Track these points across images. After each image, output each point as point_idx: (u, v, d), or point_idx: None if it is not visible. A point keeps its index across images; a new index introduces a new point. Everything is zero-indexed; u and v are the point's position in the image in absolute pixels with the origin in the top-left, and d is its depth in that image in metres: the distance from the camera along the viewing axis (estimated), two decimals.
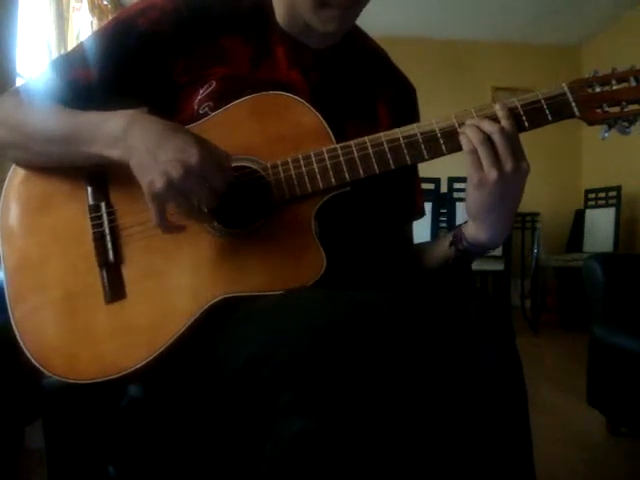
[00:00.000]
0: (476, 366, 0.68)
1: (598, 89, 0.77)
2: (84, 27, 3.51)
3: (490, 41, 4.87)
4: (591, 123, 0.78)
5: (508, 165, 0.72)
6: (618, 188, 3.95)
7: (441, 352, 0.68)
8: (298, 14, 0.82)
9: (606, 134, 0.79)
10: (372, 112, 0.90)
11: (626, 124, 0.77)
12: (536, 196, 4.45)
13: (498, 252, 3.68)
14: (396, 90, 0.95)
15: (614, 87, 0.77)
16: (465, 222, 0.82)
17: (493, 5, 4.21)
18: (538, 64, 4.67)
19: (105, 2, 3.78)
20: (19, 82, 2.62)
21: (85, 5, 3.51)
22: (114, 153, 0.72)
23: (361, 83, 0.91)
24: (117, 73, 0.81)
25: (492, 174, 0.72)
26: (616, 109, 0.77)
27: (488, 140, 0.73)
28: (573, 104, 0.76)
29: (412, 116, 0.95)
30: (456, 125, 0.76)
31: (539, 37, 4.78)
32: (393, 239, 0.96)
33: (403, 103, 0.95)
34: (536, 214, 4.30)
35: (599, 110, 0.77)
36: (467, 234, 0.81)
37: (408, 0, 4.17)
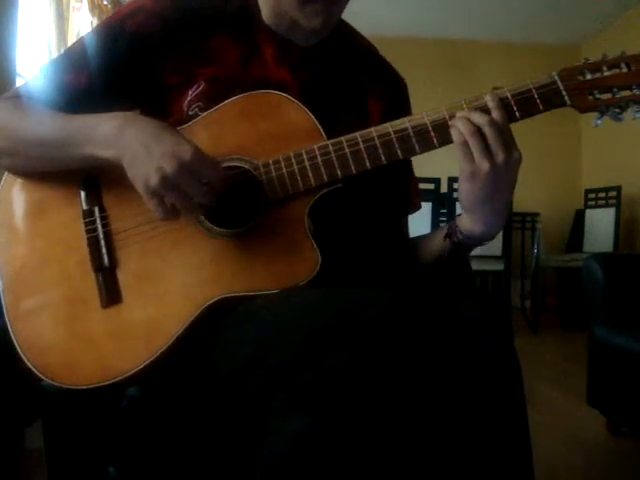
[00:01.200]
0: (474, 365, 0.68)
1: (589, 76, 0.77)
2: (84, 27, 3.51)
3: (490, 41, 4.87)
4: (583, 110, 0.77)
5: (499, 156, 0.72)
6: (618, 188, 3.95)
7: (439, 351, 0.68)
8: (284, 12, 0.83)
9: (599, 121, 0.78)
10: (363, 108, 0.90)
11: (618, 110, 0.77)
12: (536, 196, 4.46)
13: (498, 252, 3.68)
14: (386, 85, 0.95)
15: (605, 74, 0.76)
16: (459, 214, 0.82)
17: (493, 5, 4.21)
18: (538, 64, 4.65)
19: (105, 2, 3.78)
20: (19, 82, 2.62)
21: (85, 5, 3.51)
22: (108, 153, 0.72)
23: (351, 79, 0.91)
24: (107, 76, 0.82)
25: (484, 165, 0.72)
26: (607, 96, 0.77)
27: (478, 132, 0.73)
28: (564, 92, 0.76)
29: (403, 110, 0.95)
30: (447, 117, 0.76)
31: (539, 37, 4.77)
32: (388, 235, 0.96)
33: (394, 98, 0.95)
34: (536, 214, 4.30)
35: (590, 97, 0.77)
36: (461, 226, 0.81)
37: (408, 0, 4.17)
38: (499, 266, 3.71)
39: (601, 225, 4.06)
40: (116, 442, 0.82)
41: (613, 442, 1.92)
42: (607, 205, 4.08)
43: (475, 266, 3.66)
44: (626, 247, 4.03)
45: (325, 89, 0.87)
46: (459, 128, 0.73)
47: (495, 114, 0.74)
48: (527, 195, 4.31)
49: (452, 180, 3.59)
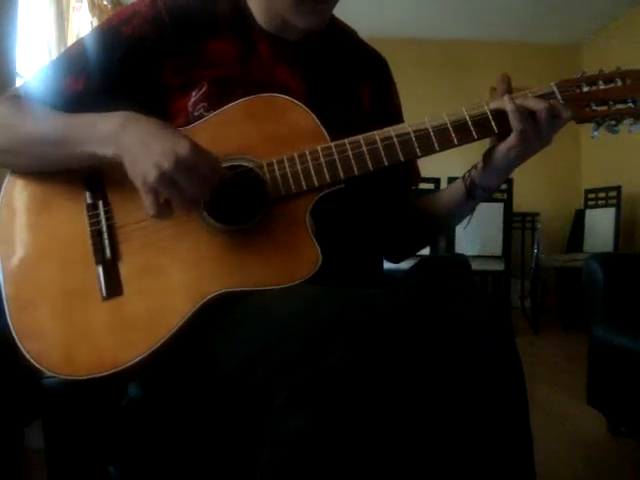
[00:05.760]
0: (475, 365, 0.68)
1: (586, 89, 0.79)
2: (84, 27, 3.51)
3: (490, 41, 4.87)
4: (579, 121, 0.80)
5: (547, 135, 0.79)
6: (618, 188, 3.95)
7: (439, 350, 0.69)
8: (276, 12, 0.85)
9: (595, 132, 0.81)
10: (355, 93, 0.93)
11: (613, 122, 0.80)
12: (536, 196, 4.46)
13: (498, 252, 3.68)
14: (371, 66, 0.98)
15: (601, 87, 0.79)
16: (475, 169, 0.87)
17: (493, 5, 4.21)
18: (538, 64, 4.66)
19: (105, 2, 3.79)
20: (19, 82, 2.62)
21: (85, 5, 3.51)
22: (108, 151, 0.73)
23: (341, 66, 0.93)
24: (105, 79, 0.83)
25: (532, 145, 0.80)
26: (604, 108, 0.79)
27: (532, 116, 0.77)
28: (562, 103, 0.78)
29: (389, 91, 0.99)
30: (448, 123, 0.78)
31: (539, 37, 4.78)
32: (389, 237, 0.96)
33: (380, 78, 0.98)
34: (536, 214, 4.30)
35: (587, 109, 0.79)
36: (483, 183, 0.87)
37: (408, 1, 4.17)
38: (499, 266, 3.71)
39: (601, 225, 4.06)
40: (116, 442, 0.82)
41: (613, 442, 1.92)
42: (607, 205, 4.08)
43: (475, 266, 3.66)
44: (626, 247, 4.03)
45: (320, 81, 0.89)
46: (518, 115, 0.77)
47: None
48: (527, 195, 4.31)
49: (452, 180, 3.59)
